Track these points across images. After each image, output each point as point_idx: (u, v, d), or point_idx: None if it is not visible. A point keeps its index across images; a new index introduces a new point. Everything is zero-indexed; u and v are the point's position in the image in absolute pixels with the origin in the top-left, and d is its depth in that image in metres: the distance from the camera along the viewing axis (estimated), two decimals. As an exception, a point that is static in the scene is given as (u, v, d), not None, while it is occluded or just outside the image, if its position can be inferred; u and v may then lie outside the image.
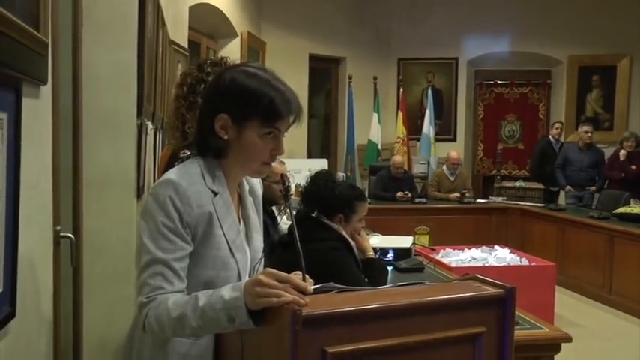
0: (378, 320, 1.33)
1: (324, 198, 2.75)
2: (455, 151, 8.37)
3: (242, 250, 1.62)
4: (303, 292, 1.32)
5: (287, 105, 1.54)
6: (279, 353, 1.28)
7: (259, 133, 1.53)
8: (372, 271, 2.85)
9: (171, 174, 1.54)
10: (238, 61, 2.18)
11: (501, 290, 1.47)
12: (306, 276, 1.39)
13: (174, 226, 1.47)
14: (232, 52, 6.97)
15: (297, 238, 1.44)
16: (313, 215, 2.79)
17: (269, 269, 1.37)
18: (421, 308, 1.39)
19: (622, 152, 7.61)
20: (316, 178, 2.85)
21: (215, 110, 1.53)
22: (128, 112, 2.78)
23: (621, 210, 6.54)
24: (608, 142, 8.75)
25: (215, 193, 1.55)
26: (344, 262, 2.66)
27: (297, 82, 8.78)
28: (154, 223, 1.48)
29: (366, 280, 2.72)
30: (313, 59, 9.07)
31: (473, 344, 1.43)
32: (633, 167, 7.52)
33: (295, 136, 9.10)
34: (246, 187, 1.72)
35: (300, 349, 1.24)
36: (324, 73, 9.55)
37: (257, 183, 1.78)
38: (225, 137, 1.54)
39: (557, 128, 8.48)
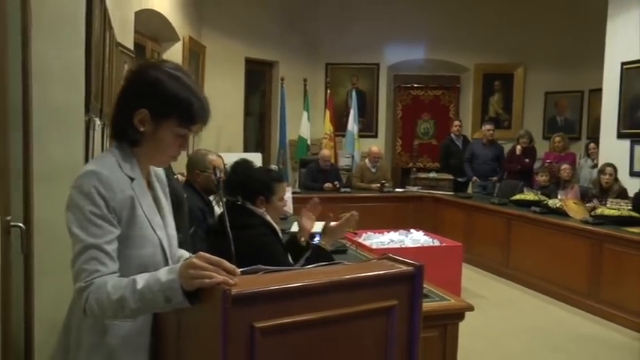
0: (301, 297, 1.33)
1: (244, 184, 2.70)
2: (376, 146, 8.46)
3: (161, 228, 1.59)
4: (232, 273, 1.30)
5: (202, 112, 1.54)
6: (212, 329, 1.26)
7: (174, 131, 1.53)
8: (318, 258, 2.76)
9: (91, 165, 1.51)
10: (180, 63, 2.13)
11: (411, 268, 1.48)
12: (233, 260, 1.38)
13: (101, 212, 1.43)
14: (175, 54, 6.81)
15: (228, 225, 1.41)
16: (239, 202, 2.73)
17: (202, 253, 1.34)
18: (340, 285, 1.38)
19: (518, 147, 7.88)
20: (235, 167, 2.80)
21: (136, 104, 1.51)
22: (77, 108, 2.68)
23: (517, 197, 6.73)
24: (507, 138, 9.03)
25: (132, 179, 1.53)
26: (271, 246, 2.63)
27: (235, 83, 8.70)
28: (82, 213, 1.43)
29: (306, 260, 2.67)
30: (249, 62, 8.96)
31: (387, 316, 1.44)
32: (527, 160, 7.80)
33: (233, 132, 9.05)
34: (152, 173, 1.69)
35: (230, 325, 1.23)
36: (259, 75, 9.46)
37: (161, 170, 1.74)
38: (142, 130, 1.51)
39: (456, 126, 8.67)
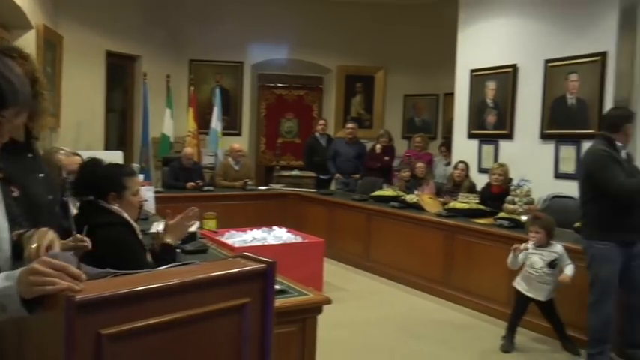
0: (152, 300, 1.29)
1: (92, 181, 2.61)
2: (238, 143, 8.43)
3: None
4: (77, 278, 1.24)
5: (14, 94, 1.39)
6: (56, 339, 1.19)
7: None
8: (167, 255, 2.73)
9: None
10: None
11: (263, 265, 1.51)
12: (81, 264, 1.32)
13: None
14: (28, 43, 6.29)
15: (74, 226, 1.36)
16: (92, 201, 2.62)
17: (44, 257, 1.27)
18: (192, 286, 1.37)
19: (378, 146, 8.23)
20: (83, 167, 2.71)
21: None
22: None
23: (377, 193, 7.01)
24: (369, 138, 9.36)
25: None
26: (130, 246, 2.56)
27: (95, 78, 8.28)
28: None
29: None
30: (110, 56, 8.55)
31: (240, 314, 1.45)
32: (386, 158, 8.17)
33: (93, 129, 8.59)
34: None
35: (75, 334, 1.16)
36: (121, 70, 9.07)
37: None
38: None
39: (321, 124, 8.87)
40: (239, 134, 9.87)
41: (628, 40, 6.01)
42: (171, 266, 1.57)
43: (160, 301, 1.31)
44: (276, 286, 2.70)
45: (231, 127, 9.77)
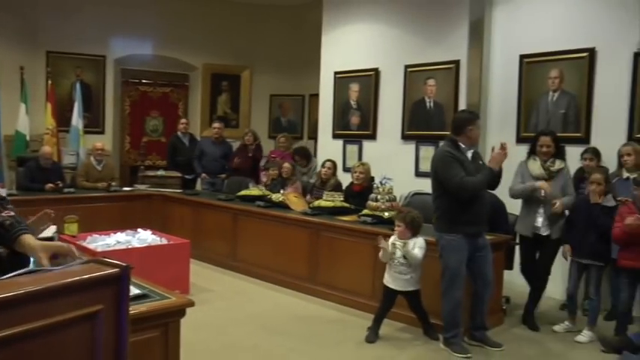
0: (-9, 312, 1.20)
1: None
2: (100, 142, 8.03)
3: None
4: None
5: None
6: None
7: None
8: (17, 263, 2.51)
9: None
10: None
11: (117, 269, 1.45)
12: None
13: None
14: None
15: None
16: None
17: None
18: (39, 295, 1.28)
19: (245, 145, 8.20)
20: None
21: None
22: None
23: (243, 192, 6.99)
24: (235, 137, 9.29)
25: None
26: None
27: None
28: None
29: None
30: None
31: (92, 322, 1.39)
32: (250, 155, 8.14)
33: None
34: None
35: None
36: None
37: None
38: None
39: (182, 124, 8.66)
40: (102, 132, 9.37)
41: (477, 49, 6.49)
42: (15, 274, 1.46)
43: (3, 314, 1.21)
44: (138, 291, 2.63)
45: (94, 124, 9.25)
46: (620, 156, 5.13)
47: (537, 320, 4.96)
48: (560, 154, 4.88)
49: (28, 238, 1.81)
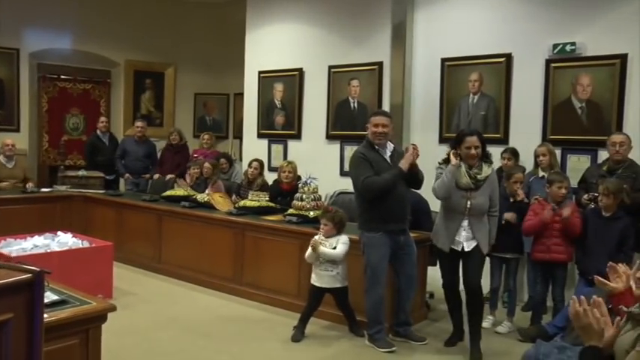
0: None
1: None
2: (10, 138, 7.60)
3: None
4: None
5: None
6: None
7: None
8: None
9: None
10: None
11: (30, 275, 1.37)
12: None
13: None
14: None
15: None
16: None
17: None
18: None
19: (169, 144, 8.03)
20: None
21: None
22: None
23: (168, 193, 6.85)
24: (160, 136, 9.08)
25: None
26: None
27: None
28: None
29: None
30: None
31: (0, 332, 1.30)
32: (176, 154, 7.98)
33: None
34: None
35: None
36: None
37: None
38: None
39: (102, 122, 8.38)
40: (17, 130, 8.84)
41: (399, 52, 6.62)
42: None
43: None
44: (55, 297, 2.52)
45: (8, 121, 8.74)
46: (536, 156, 5.39)
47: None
48: (487, 158, 4.26)
49: None
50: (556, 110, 5.66)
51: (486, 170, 4.19)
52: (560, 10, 5.65)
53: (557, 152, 5.47)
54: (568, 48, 5.55)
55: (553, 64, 5.65)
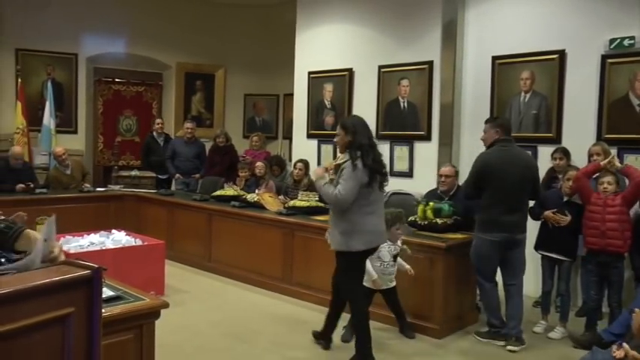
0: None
1: None
2: (60, 147, 7.72)
3: None
4: None
5: None
6: None
7: None
8: None
9: None
10: None
11: (88, 271, 1.40)
12: None
13: None
14: None
15: None
16: None
17: None
18: (6, 298, 1.24)
19: (216, 145, 8.12)
20: None
21: None
22: None
23: (218, 193, 6.93)
24: (210, 137, 9.18)
25: None
26: None
27: None
28: None
29: None
30: None
31: (62, 325, 1.34)
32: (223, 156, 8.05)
33: None
34: None
35: None
36: None
37: None
38: None
39: (158, 124, 8.56)
40: (75, 132, 9.18)
41: (450, 50, 6.52)
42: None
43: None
44: (111, 293, 2.58)
45: (66, 124, 9.06)
46: (590, 155, 5.20)
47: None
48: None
49: (31, 232, 1.79)
50: (612, 108, 5.46)
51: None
52: (617, 2, 5.45)
53: (613, 151, 5.26)
54: (626, 42, 5.35)
55: (609, 60, 5.46)
